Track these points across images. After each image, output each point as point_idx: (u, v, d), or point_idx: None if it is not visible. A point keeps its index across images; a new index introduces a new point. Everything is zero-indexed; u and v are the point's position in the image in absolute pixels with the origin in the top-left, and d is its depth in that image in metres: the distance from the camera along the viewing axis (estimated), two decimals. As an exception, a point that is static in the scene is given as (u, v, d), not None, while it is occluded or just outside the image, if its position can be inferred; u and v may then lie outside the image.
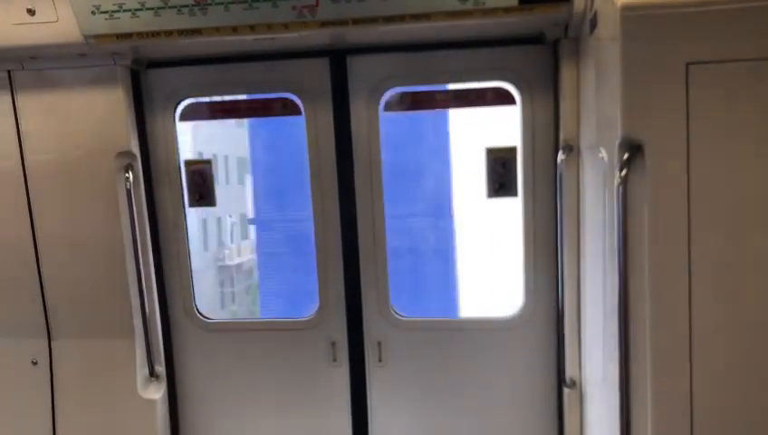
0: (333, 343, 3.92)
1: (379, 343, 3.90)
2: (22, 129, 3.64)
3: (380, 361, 3.91)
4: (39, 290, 3.80)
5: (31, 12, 3.16)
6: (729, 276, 2.23)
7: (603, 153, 2.62)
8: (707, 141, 2.18)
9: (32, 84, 3.58)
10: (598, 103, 2.75)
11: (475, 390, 3.85)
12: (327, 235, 3.81)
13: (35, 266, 3.78)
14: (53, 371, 3.92)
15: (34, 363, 3.91)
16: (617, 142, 2.28)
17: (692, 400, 2.29)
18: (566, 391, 3.51)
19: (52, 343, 3.89)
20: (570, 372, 3.49)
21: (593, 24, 2.70)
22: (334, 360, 3.94)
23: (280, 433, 4.07)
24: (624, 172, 2.26)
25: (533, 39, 3.41)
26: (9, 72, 3.58)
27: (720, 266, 2.23)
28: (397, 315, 3.87)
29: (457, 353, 3.83)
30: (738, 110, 2.16)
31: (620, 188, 2.28)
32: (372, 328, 3.90)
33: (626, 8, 2.18)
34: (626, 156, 2.26)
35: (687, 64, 2.17)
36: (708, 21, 2.15)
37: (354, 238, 3.80)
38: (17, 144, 3.65)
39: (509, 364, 3.80)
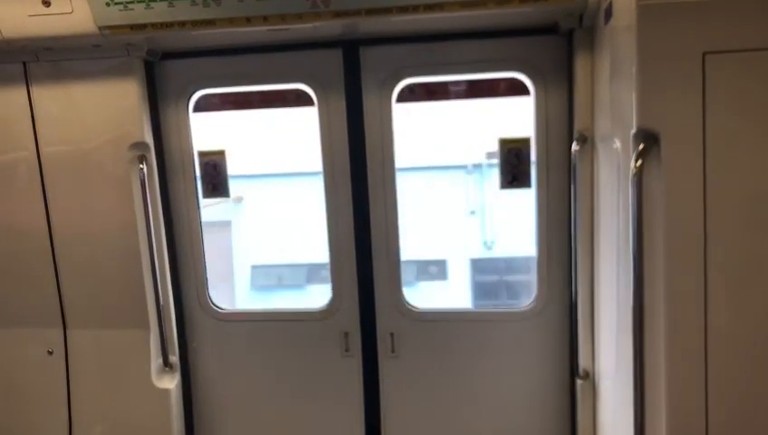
0: (346, 334, 3.93)
1: (392, 334, 3.90)
2: (37, 120, 3.66)
3: (393, 351, 3.92)
4: (54, 280, 3.83)
5: (46, 3, 3.18)
6: (746, 268, 2.21)
7: (618, 144, 2.61)
8: (724, 132, 2.16)
9: (47, 76, 3.60)
10: (612, 94, 2.73)
11: (487, 381, 3.86)
12: (340, 226, 3.82)
13: (51, 257, 3.81)
14: (69, 360, 3.95)
15: (50, 353, 3.95)
16: (632, 133, 2.27)
17: (707, 391, 2.28)
18: (579, 382, 3.50)
19: (68, 333, 3.93)
20: (583, 363, 3.48)
21: (608, 14, 2.68)
22: (347, 350, 3.95)
23: (292, 423, 4.09)
24: (639, 163, 2.25)
25: (548, 29, 3.39)
26: (24, 63, 3.60)
27: (736, 258, 2.21)
28: (409, 307, 3.88)
29: (470, 345, 3.84)
30: (755, 99, 2.14)
31: (635, 178, 2.26)
32: (385, 319, 3.90)
33: None
34: (641, 146, 2.24)
35: (704, 54, 2.14)
36: (724, 10, 2.13)
37: (367, 230, 3.80)
38: (32, 136, 3.68)
39: (522, 356, 3.80)
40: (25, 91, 3.64)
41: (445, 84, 3.90)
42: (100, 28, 3.22)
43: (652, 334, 2.32)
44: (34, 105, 3.65)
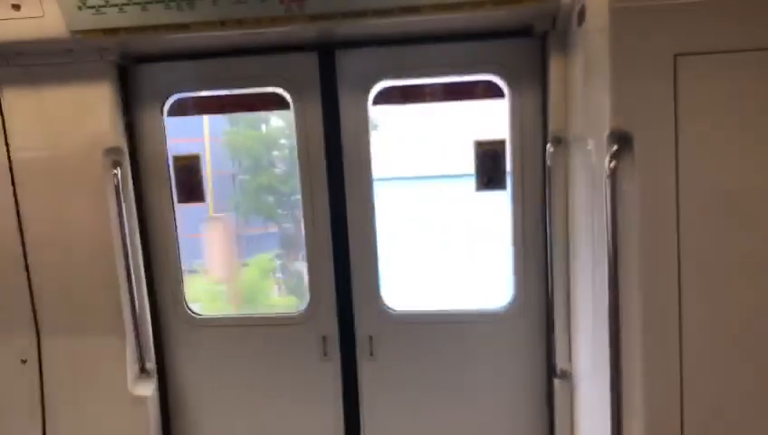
0: (324, 338, 3.92)
1: (370, 337, 3.90)
2: (8, 125, 3.61)
3: (371, 354, 3.92)
4: (27, 288, 3.78)
5: (16, 7, 3.13)
6: (719, 266, 2.25)
7: (592, 145, 2.63)
8: (696, 132, 2.20)
9: (18, 81, 3.55)
10: (586, 95, 2.76)
11: (466, 382, 3.87)
12: (317, 229, 3.81)
13: (23, 265, 3.75)
14: (43, 369, 3.89)
15: (23, 362, 3.88)
16: (605, 134, 2.29)
17: (682, 389, 2.31)
18: (557, 382, 3.53)
19: (42, 341, 3.87)
20: (560, 363, 3.50)
21: (581, 17, 2.71)
22: (325, 354, 3.94)
23: (271, 428, 4.07)
24: (613, 163, 2.28)
25: (522, 32, 3.42)
26: None
27: (710, 256, 2.24)
28: (387, 309, 3.88)
29: (448, 346, 3.85)
30: (726, 100, 2.18)
31: (609, 179, 2.29)
32: (363, 322, 3.90)
33: (614, 0, 2.20)
34: (615, 147, 2.27)
35: (675, 56, 2.18)
36: (696, 12, 2.16)
37: (344, 233, 3.80)
38: (3, 141, 3.62)
39: (500, 356, 3.82)
40: None
41: (421, 87, 3.91)
42: (72, 32, 3.18)
43: (628, 333, 2.35)
44: (5, 110, 3.59)
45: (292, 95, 3.70)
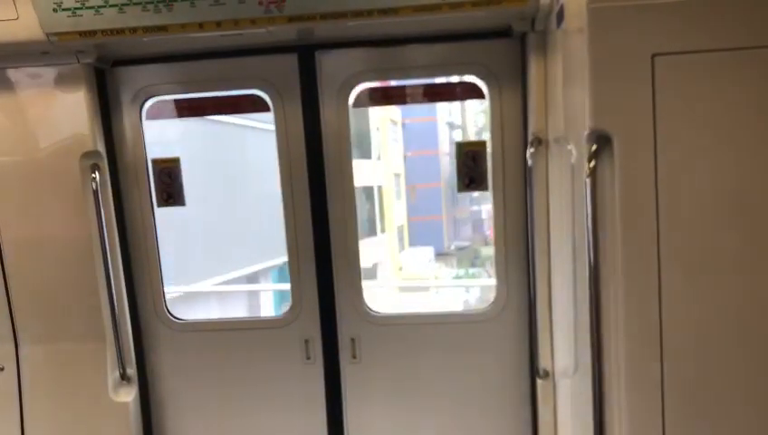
0: (307, 341, 3.91)
1: (353, 340, 3.89)
2: None
3: (355, 357, 3.91)
4: (5, 295, 3.72)
5: None
6: (700, 264, 2.26)
7: (571, 146, 2.64)
8: (673, 132, 2.21)
9: None
10: (565, 96, 2.77)
11: (449, 383, 3.87)
12: (299, 232, 3.79)
13: (0, 271, 3.69)
14: (21, 376, 3.84)
15: (1, 370, 3.83)
16: (585, 134, 2.30)
17: (663, 389, 2.32)
18: (539, 382, 3.53)
19: (20, 348, 3.81)
20: (542, 363, 3.51)
21: (560, 18, 2.72)
22: (308, 358, 3.92)
23: (255, 432, 4.04)
24: (593, 163, 2.29)
25: (501, 33, 3.43)
26: None
27: (690, 255, 2.26)
28: (370, 311, 3.87)
29: (431, 348, 3.84)
30: (703, 99, 2.19)
31: (589, 179, 2.30)
32: (346, 325, 3.89)
33: (592, 1, 2.20)
34: (594, 147, 2.28)
35: (653, 55, 2.19)
36: (672, 12, 2.18)
37: (326, 235, 3.78)
38: None
39: (482, 357, 3.82)
40: None
41: (402, 88, 3.91)
42: (47, 35, 3.14)
43: (609, 332, 2.36)
44: None
45: (272, 97, 3.68)
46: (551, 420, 3.52)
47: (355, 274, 3.84)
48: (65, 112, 3.52)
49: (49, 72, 3.47)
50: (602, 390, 2.40)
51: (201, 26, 3.09)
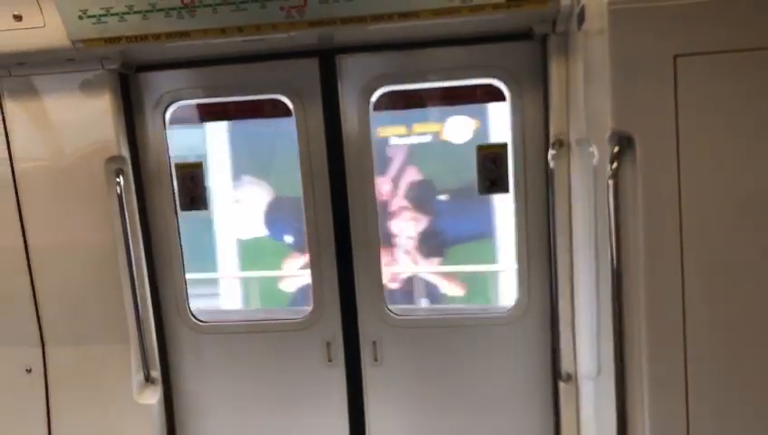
0: (328, 344, 3.92)
1: (374, 343, 3.90)
2: (10, 136, 3.62)
3: (376, 360, 3.91)
4: (32, 297, 3.78)
5: (17, 18, 3.15)
6: (723, 267, 2.24)
7: (593, 147, 2.63)
8: (696, 133, 2.20)
9: (19, 91, 3.56)
10: (587, 97, 2.76)
11: (470, 385, 3.86)
12: (320, 235, 3.81)
13: (27, 274, 3.75)
14: (48, 378, 3.89)
15: (29, 371, 3.88)
16: (607, 136, 2.29)
17: (687, 391, 2.30)
18: (562, 385, 3.52)
19: (47, 350, 3.87)
20: (565, 366, 3.49)
21: (581, 19, 2.71)
22: (330, 360, 3.94)
23: (277, 434, 4.07)
24: (615, 165, 2.28)
25: (522, 35, 3.42)
26: None
27: (714, 257, 2.24)
28: (391, 314, 3.87)
29: (452, 350, 3.84)
30: (725, 100, 2.17)
31: (611, 181, 2.29)
32: (367, 327, 3.90)
33: (613, 2, 2.20)
34: (616, 149, 2.27)
35: (675, 57, 2.18)
36: (694, 12, 2.16)
37: (347, 238, 3.80)
38: (6, 151, 3.63)
39: (504, 360, 3.81)
40: None
41: (422, 92, 3.91)
42: (73, 42, 3.19)
43: (632, 335, 2.34)
44: (8, 121, 3.61)
45: (293, 102, 3.70)
46: (573, 423, 3.50)
47: (376, 276, 3.84)
48: (90, 118, 3.57)
49: (74, 79, 3.53)
50: (625, 391, 2.38)
51: (223, 32, 3.12)
